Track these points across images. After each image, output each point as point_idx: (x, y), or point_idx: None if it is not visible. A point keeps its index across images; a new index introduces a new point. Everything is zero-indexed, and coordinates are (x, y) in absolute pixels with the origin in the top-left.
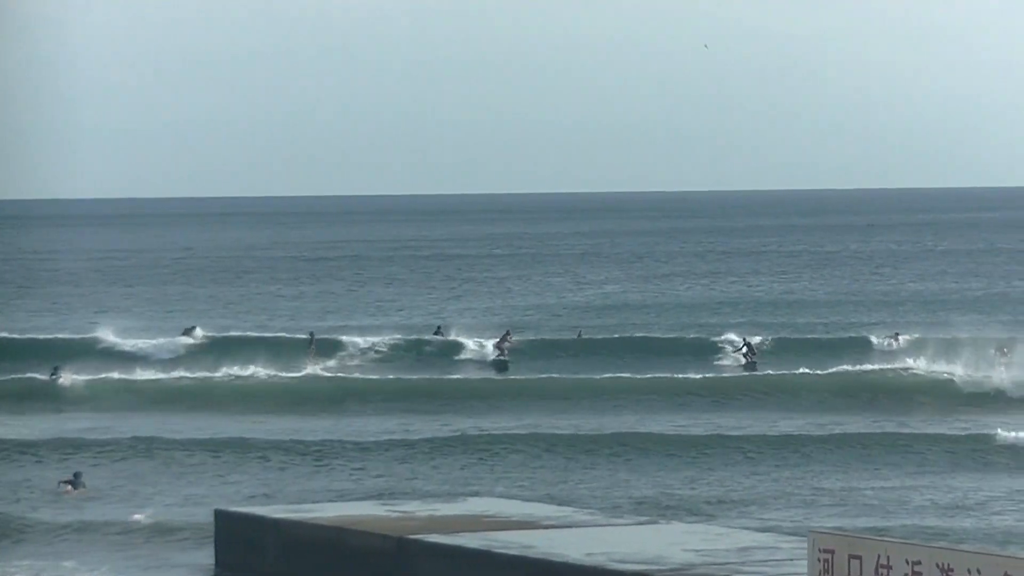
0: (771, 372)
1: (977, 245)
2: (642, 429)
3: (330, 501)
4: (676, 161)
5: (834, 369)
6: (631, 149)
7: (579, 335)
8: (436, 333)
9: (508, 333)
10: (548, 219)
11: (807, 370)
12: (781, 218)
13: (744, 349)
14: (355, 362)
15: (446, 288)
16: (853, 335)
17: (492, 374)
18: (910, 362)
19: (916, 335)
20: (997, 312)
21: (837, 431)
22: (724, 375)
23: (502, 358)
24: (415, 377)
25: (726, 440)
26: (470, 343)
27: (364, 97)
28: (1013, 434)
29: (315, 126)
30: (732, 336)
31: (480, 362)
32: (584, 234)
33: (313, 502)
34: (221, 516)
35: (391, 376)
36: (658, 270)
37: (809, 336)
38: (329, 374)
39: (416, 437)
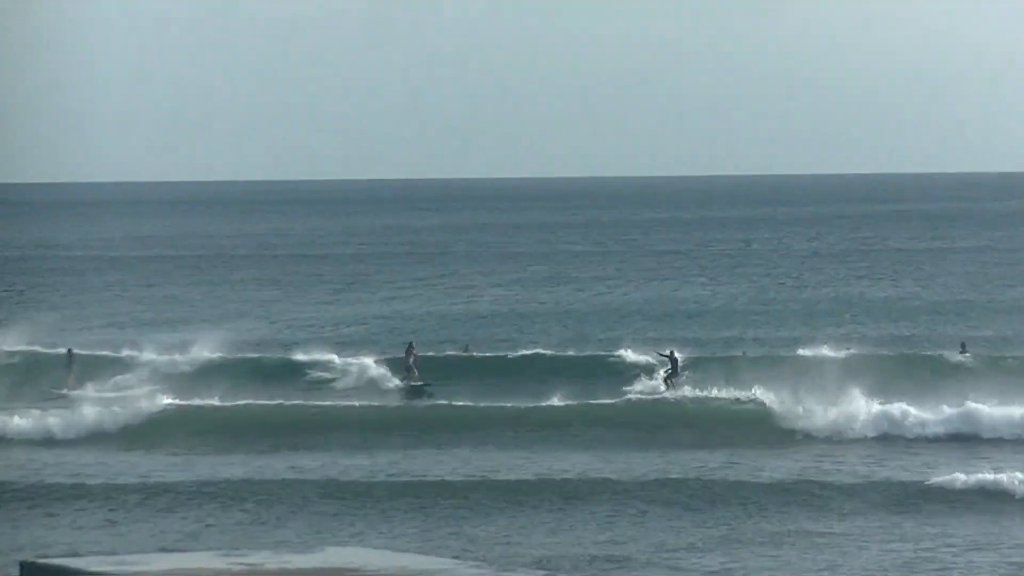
0: (691, 395)
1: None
2: (542, 469)
3: (165, 551)
4: (584, 144)
5: (761, 393)
6: (535, 131)
7: (466, 350)
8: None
9: (412, 346)
10: (427, 209)
11: (731, 395)
12: (704, 210)
13: (668, 367)
14: (198, 386)
15: (313, 291)
16: (784, 352)
17: (358, 401)
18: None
19: (863, 350)
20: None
21: (766, 476)
22: (639, 398)
23: (418, 382)
24: (263, 403)
25: (644, 484)
26: (340, 360)
27: (268, 78)
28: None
29: (188, 109)
30: (641, 356)
31: (367, 385)
32: (471, 228)
33: (146, 552)
34: (27, 569)
35: (242, 402)
36: (560, 271)
37: (733, 354)
38: (179, 402)
39: (272, 478)
